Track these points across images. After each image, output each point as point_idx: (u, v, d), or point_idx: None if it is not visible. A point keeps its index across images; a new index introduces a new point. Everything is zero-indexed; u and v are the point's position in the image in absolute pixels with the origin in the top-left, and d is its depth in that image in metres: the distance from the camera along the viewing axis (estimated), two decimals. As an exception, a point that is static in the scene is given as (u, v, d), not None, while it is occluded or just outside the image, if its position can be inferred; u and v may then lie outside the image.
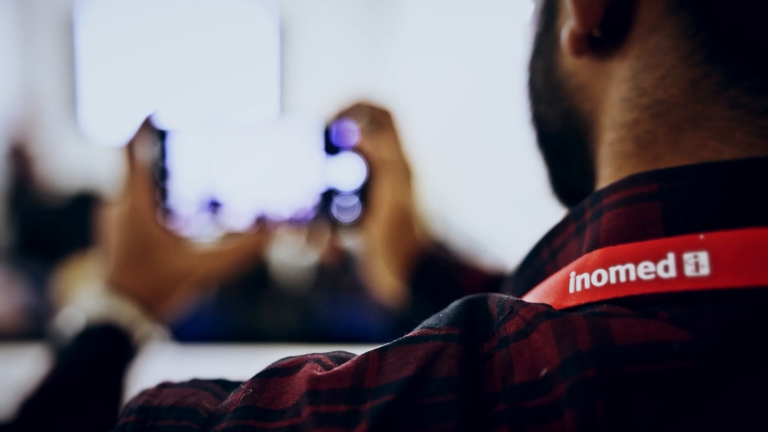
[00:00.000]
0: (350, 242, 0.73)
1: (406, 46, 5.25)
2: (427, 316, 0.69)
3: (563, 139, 0.39)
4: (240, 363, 1.00)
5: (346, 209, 0.69)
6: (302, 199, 0.69)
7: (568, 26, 0.35)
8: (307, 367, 0.31)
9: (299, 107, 7.66)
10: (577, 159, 0.39)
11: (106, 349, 0.62)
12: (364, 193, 0.69)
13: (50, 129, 7.41)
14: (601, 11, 0.33)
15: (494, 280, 0.70)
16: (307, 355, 0.32)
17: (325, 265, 3.50)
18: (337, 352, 0.33)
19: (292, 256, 3.17)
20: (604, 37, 0.34)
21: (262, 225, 0.68)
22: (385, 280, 0.72)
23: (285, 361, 0.32)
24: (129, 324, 0.63)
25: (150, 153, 0.66)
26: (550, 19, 0.38)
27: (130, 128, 0.66)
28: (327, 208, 0.69)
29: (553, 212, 0.44)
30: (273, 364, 0.32)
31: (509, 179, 4.46)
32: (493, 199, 4.81)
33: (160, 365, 0.68)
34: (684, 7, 0.31)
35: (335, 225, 0.70)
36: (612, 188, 0.32)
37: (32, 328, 2.86)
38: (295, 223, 0.69)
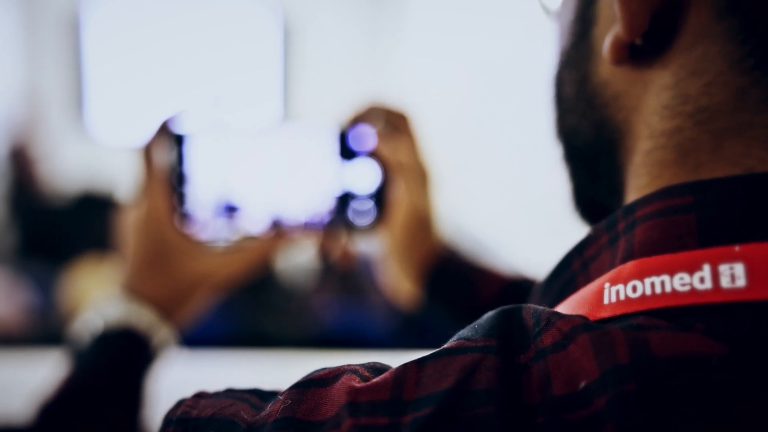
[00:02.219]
0: (366, 246, 0.73)
1: (410, 46, 5.25)
2: (442, 320, 0.69)
3: (594, 150, 0.39)
4: (249, 367, 1.00)
5: (362, 213, 0.69)
6: (317, 203, 0.69)
7: (611, 34, 0.35)
8: (344, 379, 0.31)
9: (304, 108, 7.68)
10: (606, 171, 0.38)
11: (125, 354, 0.61)
12: (380, 196, 0.69)
13: (55, 129, 7.43)
14: (647, 19, 0.33)
15: (511, 285, 0.70)
16: (342, 366, 0.32)
17: (339, 269, 3.49)
18: (373, 363, 0.33)
19: (304, 260, 3.18)
20: (644, 45, 0.34)
21: (278, 229, 0.68)
22: (400, 284, 0.72)
23: (321, 372, 0.32)
24: (147, 329, 0.63)
25: (167, 157, 0.66)
26: (585, 29, 0.37)
27: (146, 132, 0.66)
28: (342, 212, 0.69)
29: (561, 215, 0.44)
30: (309, 374, 0.32)
31: (516, 182, 4.45)
32: (499, 202, 4.80)
33: (172, 370, 0.68)
34: (733, 13, 0.31)
35: (350, 229, 0.70)
36: (646, 199, 0.32)
37: (38, 331, 2.86)
38: (310, 227, 0.69)
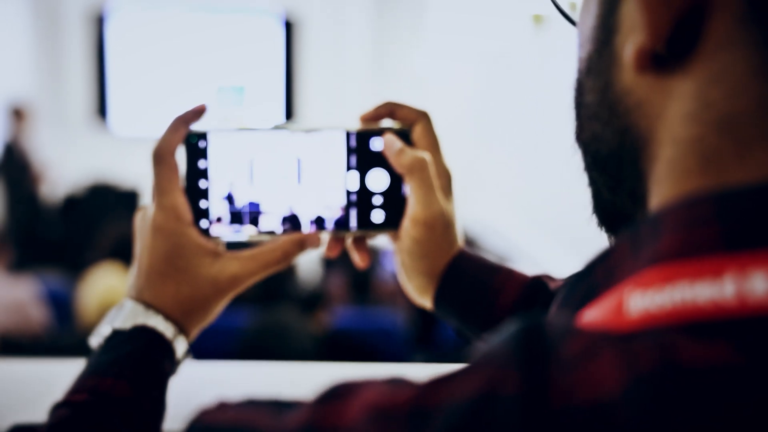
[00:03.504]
0: (382, 246, 0.73)
1: (416, 45, 5.26)
2: (459, 321, 0.69)
3: (617, 158, 0.39)
4: (259, 378, 1.00)
5: (379, 213, 0.69)
6: (334, 204, 0.69)
7: (634, 42, 0.35)
8: (366, 391, 0.31)
9: (313, 107, 7.75)
10: (628, 178, 0.38)
11: (146, 362, 0.61)
12: (397, 197, 0.69)
13: (75, 123, 7.59)
14: (670, 27, 0.33)
15: (529, 286, 0.70)
16: (364, 379, 0.32)
17: (355, 269, 3.50)
18: (394, 376, 0.32)
19: (317, 265, 3.17)
20: (667, 53, 0.34)
21: (295, 230, 0.68)
22: (417, 284, 0.71)
23: (343, 384, 0.32)
24: (166, 337, 0.63)
25: (184, 156, 0.66)
26: (608, 37, 0.37)
27: (163, 131, 0.65)
28: (359, 212, 0.69)
29: (579, 223, 0.44)
30: (331, 386, 0.32)
31: (532, 186, 4.44)
32: (515, 206, 4.80)
33: (181, 380, 0.67)
34: (755, 21, 0.31)
35: (367, 229, 0.69)
36: (669, 208, 0.32)
37: (57, 340, 2.87)
38: (326, 228, 0.69)
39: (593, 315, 0.33)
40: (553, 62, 4.06)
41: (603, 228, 0.43)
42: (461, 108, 6.82)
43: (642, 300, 0.30)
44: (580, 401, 0.27)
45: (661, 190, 0.35)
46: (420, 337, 3.71)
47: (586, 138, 0.41)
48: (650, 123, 0.36)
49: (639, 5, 0.33)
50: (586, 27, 0.39)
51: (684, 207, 0.31)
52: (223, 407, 0.34)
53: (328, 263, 4.82)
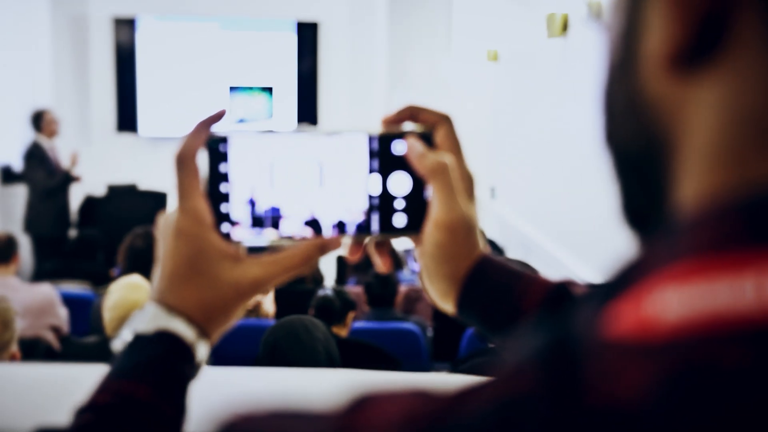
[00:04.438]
0: (404, 249, 0.73)
1: (437, 49, 5.28)
2: (482, 325, 0.69)
3: (646, 160, 0.38)
4: (276, 384, 1.00)
5: (401, 217, 0.69)
6: (355, 207, 0.68)
7: (660, 44, 0.35)
8: (392, 403, 0.31)
9: (330, 110, 7.82)
10: (657, 180, 0.38)
11: (168, 367, 0.61)
12: (419, 200, 0.68)
13: (104, 126, 7.73)
14: (695, 29, 0.33)
15: (552, 291, 0.69)
16: (388, 390, 0.32)
17: (379, 272, 3.50)
18: (418, 387, 0.32)
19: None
20: (693, 55, 0.34)
21: (316, 233, 0.68)
22: (440, 287, 0.71)
23: (368, 396, 0.32)
24: (187, 341, 0.63)
25: (206, 160, 0.66)
26: (634, 40, 0.37)
27: (185, 135, 0.65)
28: (381, 215, 0.68)
29: (606, 223, 0.44)
30: (355, 397, 0.32)
31: (557, 188, 4.42)
32: (541, 209, 4.79)
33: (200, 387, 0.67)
34: None
35: (389, 233, 0.69)
36: (698, 206, 0.32)
37: (72, 342, 2.89)
38: (348, 231, 0.68)
39: (621, 315, 0.32)
40: (575, 66, 4.05)
41: (634, 229, 0.43)
42: (482, 110, 6.82)
43: (676, 298, 0.29)
44: (610, 407, 0.26)
45: (689, 187, 0.35)
46: (440, 346, 3.70)
47: (613, 141, 0.41)
48: (678, 124, 0.36)
49: (664, 5, 0.34)
50: (614, 31, 0.40)
51: (710, 205, 0.31)
52: (248, 415, 0.34)
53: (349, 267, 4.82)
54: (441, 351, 3.68)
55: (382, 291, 3.64)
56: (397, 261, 4.58)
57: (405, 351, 3.17)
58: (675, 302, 0.29)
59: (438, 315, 3.96)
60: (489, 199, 6.47)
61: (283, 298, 3.24)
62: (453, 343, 3.50)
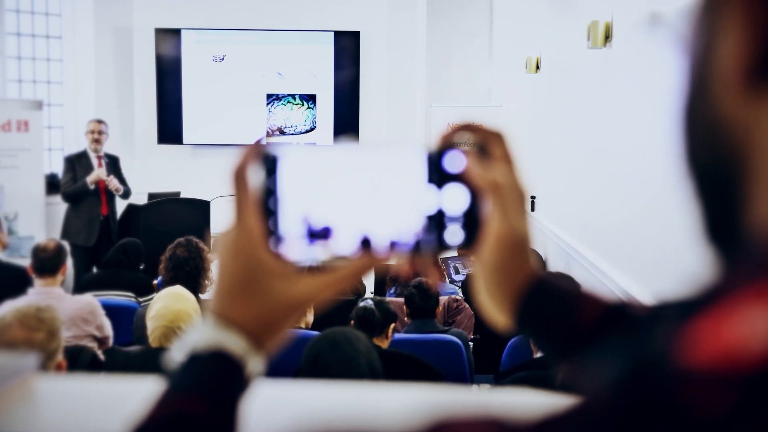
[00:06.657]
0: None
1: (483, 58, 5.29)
2: (541, 340, 0.68)
3: (725, 178, 0.38)
4: (325, 400, 0.99)
5: (455, 234, 0.67)
6: (408, 224, 0.67)
7: (733, 60, 0.34)
8: (471, 429, 0.30)
9: (372, 123, 7.85)
10: (738, 199, 0.37)
11: (221, 381, 0.61)
12: (473, 218, 0.68)
13: (149, 136, 7.88)
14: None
15: (611, 311, 0.68)
16: (462, 413, 0.32)
17: (430, 290, 3.48)
18: (490, 415, 0.32)
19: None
20: (766, 69, 0.34)
21: (368, 250, 0.67)
22: (496, 302, 0.71)
23: (445, 421, 0.32)
24: (241, 356, 0.63)
25: (260, 179, 0.66)
26: (711, 58, 0.37)
27: (239, 154, 0.66)
28: (434, 233, 0.67)
29: (679, 243, 0.43)
30: (431, 420, 0.32)
31: (616, 204, 4.36)
32: (598, 224, 4.72)
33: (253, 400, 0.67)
34: None
35: (442, 251, 0.68)
36: None
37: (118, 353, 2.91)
38: (400, 248, 0.67)
39: (707, 337, 0.30)
40: (617, 77, 4.00)
41: (715, 249, 0.42)
42: (521, 120, 6.78)
43: (755, 324, 0.28)
44: None
45: (766, 204, 0.34)
46: (482, 357, 3.68)
47: (692, 161, 0.41)
48: (752, 141, 0.35)
49: (740, 24, 0.33)
50: (691, 51, 0.39)
51: None
52: None
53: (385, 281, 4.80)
54: (482, 363, 3.65)
55: (423, 302, 3.61)
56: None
57: (447, 363, 3.15)
58: (761, 327, 0.27)
59: (480, 326, 3.94)
60: (528, 210, 6.43)
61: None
62: (495, 355, 3.47)
